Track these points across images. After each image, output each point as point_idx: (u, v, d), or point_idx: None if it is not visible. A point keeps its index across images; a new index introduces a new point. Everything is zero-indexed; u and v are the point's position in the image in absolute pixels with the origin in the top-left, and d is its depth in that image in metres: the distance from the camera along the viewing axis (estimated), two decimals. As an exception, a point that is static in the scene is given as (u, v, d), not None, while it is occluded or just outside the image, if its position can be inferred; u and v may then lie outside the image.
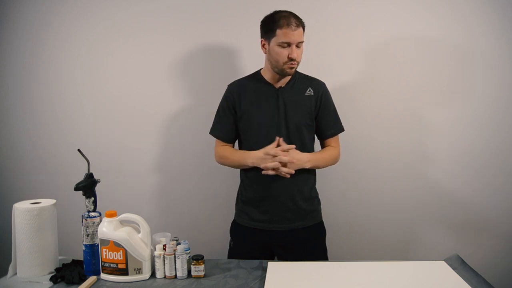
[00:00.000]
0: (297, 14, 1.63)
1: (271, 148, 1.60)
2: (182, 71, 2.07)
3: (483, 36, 1.95)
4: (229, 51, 2.04)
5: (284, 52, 1.60)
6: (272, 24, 1.61)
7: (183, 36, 2.05)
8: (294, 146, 1.63)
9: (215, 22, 2.03)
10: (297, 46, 1.61)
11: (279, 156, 1.58)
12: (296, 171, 1.62)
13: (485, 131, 1.99)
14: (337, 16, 1.99)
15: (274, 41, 1.61)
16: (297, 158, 1.62)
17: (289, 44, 1.59)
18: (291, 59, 1.60)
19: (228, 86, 1.78)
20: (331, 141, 1.77)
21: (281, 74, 1.66)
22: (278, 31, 1.59)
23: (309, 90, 1.71)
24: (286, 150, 1.60)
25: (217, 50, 2.05)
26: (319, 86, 1.74)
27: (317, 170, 1.77)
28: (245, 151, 1.71)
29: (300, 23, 1.61)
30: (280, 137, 1.64)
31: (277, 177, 1.62)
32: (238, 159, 1.72)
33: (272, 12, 1.65)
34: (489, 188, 2.01)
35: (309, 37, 1.95)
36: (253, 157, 1.65)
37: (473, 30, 1.95)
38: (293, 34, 1.58)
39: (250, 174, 1.72)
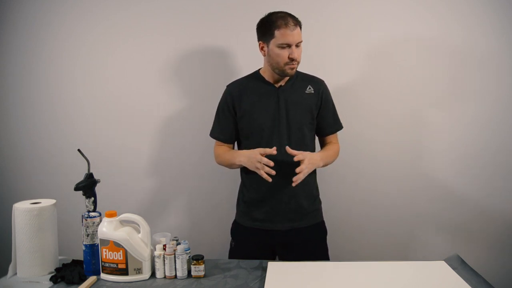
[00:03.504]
0: (297, 14, 1.62)
1: (264, 151, 1.55)
2: (182, 71, 2.07)
3: (483, 36, 1.95)
4: (229, 51, 2.04)
5: (285, 53, 1.59)
6: (269, 26, 1.60)
7: (183, 36, 2.04)
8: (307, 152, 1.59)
9: (215, 22, 2.03)
10: (297, 46, 1.61)
11: (301, 167, 1.54)
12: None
13: (485, 131, 1.99)
14: (337, 16, 1.99)
15: (273, 42, 1.60)
16: (313, 159, 1.60)
17: (289, 45, 1.59)
18: (292, 59, 1.60)
19: (227, 86, 1.77)
20: (331, 137, 1.78)
21: (282, 75, 1.66)
22: (277, 33, 1.58)
23: (309, 88, 1.71)
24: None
25: (217, 50, 2.05)
26: (319, 84, 1.73)
27: (317, 169, 1.77)
28: (237, 150, 1.71)
29: (298, 23, 1.60)
30: (281, 137, 1.64)
31: (279, 177, 1.62)
32: (229, 157, 1.71)
33: (267, 14, 1.64)
34: (489, 188, 2.01)
35: (309, 37, 1.95)
36: (242, 155, 1.63)
37: (473, 30, 1.95)
38: (292, 35, 1.57)
39: (251, 175, 1.70)
